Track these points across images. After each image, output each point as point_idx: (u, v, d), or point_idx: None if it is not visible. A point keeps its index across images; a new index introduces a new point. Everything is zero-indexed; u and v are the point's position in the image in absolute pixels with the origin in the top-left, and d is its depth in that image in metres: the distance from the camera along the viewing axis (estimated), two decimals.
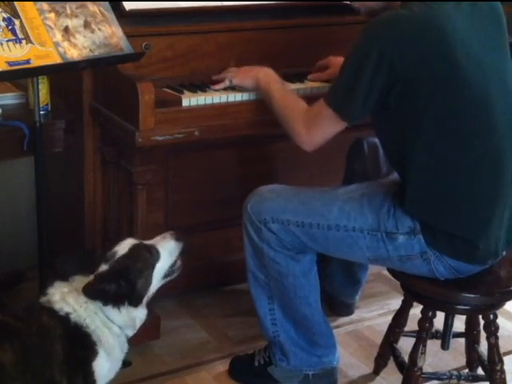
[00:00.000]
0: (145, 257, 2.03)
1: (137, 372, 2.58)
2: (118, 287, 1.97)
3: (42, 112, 2.35)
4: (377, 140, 2.61)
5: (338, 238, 2.24)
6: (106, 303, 1.97)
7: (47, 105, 2.48)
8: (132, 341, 2.63)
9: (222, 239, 2.95)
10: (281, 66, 2.57)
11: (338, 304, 2.94)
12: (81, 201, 2.72)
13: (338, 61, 2.67)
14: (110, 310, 1.99)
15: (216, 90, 2.49)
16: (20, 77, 2.38)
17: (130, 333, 2.07)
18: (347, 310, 2.96)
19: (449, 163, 2.11)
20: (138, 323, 2.07)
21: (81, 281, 2.00)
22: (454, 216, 2.14)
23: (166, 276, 2.09)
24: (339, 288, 2.89)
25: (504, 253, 2.25)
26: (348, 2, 2.86)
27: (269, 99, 2.37)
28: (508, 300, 2.31)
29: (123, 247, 2.05)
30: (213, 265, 2.98)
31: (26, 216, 2.98)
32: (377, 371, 2.65)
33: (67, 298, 1.98)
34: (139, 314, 2.05)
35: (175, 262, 2.10)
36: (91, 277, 2.00)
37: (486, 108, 2.09)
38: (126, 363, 2.59)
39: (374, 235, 2.20)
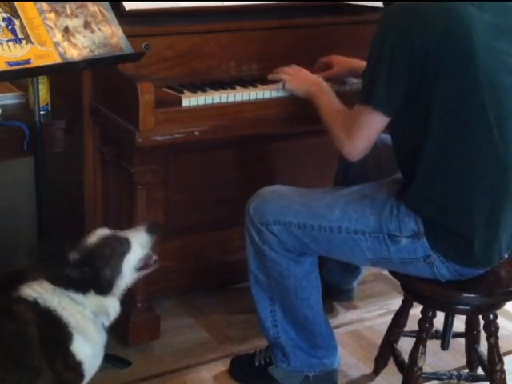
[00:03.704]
0: (113, 246, 2.04)
1: (137, 372, 2.58)
2: (82, 274, 1.99)
3: (42, 112, 2.35)
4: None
5: (339, 240, 2.24)
6: (67, 289, 2.00)
7: (47, 105, 2.48)
8: (132, 341, 2.66)
9: (222, 239, 2.95)
10: (280, 66, 2.57)
11: (336, 291, 2.92)
12: (81, 201, 2.72)
13: (341, 60, 2.67)
14: (75, 294, 2.01)
15: (216, 90, 2.49)
16: (20, 77, 2.38)
17: (106, 321, 2.08)
18: (346, 295, 2.95)
19: (459, 162, 2.10)
20: (112, 313, 2.08)
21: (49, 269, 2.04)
22: (458, 216, 2.13)
23: (139, 269, 2.11)
24: (338, 275, 2.85)
25: (506, 256, 2.25)
26: (348, 2, 2.88)
27: (318, 112, 2.35)
28: (508, 300, 2.31)
29: (93, 237, 2.07)
30: (213, 265, 2.98)
31: (26, 216, 2.98)
32: (377, 371, 2.65)
33: (33, 285, 2.01)
34: (110, 303, 2.06)
35: (148, 254, 2.11)
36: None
37: (500, 116, 2.08)
38: (126, 363, 2.60)
39: (376, 237, 2.20)
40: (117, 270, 2.04)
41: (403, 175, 2.26)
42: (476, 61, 2.04)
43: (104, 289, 2.03)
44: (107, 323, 2.08)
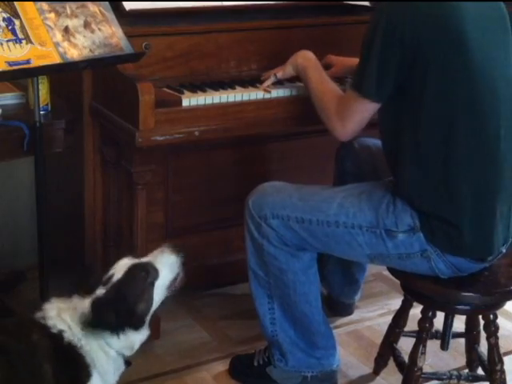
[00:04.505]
0: (142, 278, 1.94)
1: (137, 372, 2.58)
2: (118, 315, 1.88)
3: (42, 112, 2.35)
4: (368, 141, 2.60)
5: (337, 235, 2.24)
6: (103, 333, 1.89)
7: (47, 105, 2.47)
8: None
9: (222, 239, 2.95)
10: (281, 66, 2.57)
11: (337, 305, 2.93)
12: (81, 201, 2.72)
13: (338, 60, 2.68)
14: (108, 336, 1.90)
15: (216, 90, 2.49)
16: (20, 77, 2.38)
17: (128, 353, 1.98)
18: (346, 310, 2.96)
19: (450, 152, 2.11)
20: (138, 344, 1.98)
21: (78, 301, 1.92)
22: (446, 204, 2.14)
23: (168, 289, 2.01)
24: (337, 288, 2.89)
25: (504, 250, 2.25)
26: (348, 2, 2.88)
27: (306, 86, 2.38)
28: (508, 300, 2.31)
29: (119, 269, 1.96)
30: (213, 265, 2.98)
31: (25, 216, 2.98)
32: (377, 371, 2.65)
33: (63, 314, 1.89)
34: (140, 336, 1.97)
35: (177, 274, 2.01)
36: (88, 300, 1.90)
37: (492, 100, 2.10)
38: (126, 363, 2.60)
39: (373, 232, 2.20)
40: (149, 302, 1.95)
41: (394, 174, 2.27)
42: (468, 49, 2.06)
43: (138, 324, 1.93)
44: (130, 354, 1.98)
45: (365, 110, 2.18)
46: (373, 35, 2.10)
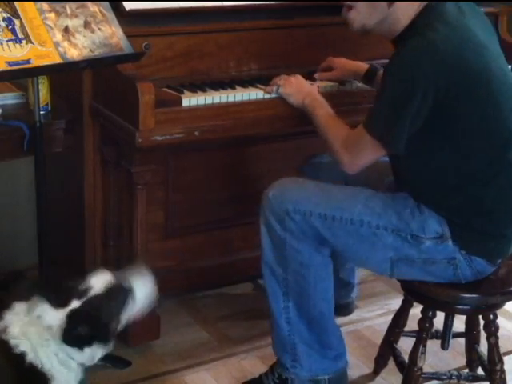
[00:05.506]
0: (120, 299, 1.90)
1: (137, 372, 2.58)
2: (92, 332, 1.84)
3: (42, 112, 2.35)
4: None
5: (360, 235, 2.20)
6: (74, 346, 1.84)
7: (47, 105, 2.47)
8: (132, 341, 2.66)
9: (222, 239, 2.95)
10: (280, 66, 2.57)
11: (336, 305, 2.91)
12: (81, 201, 2.72)
13: (341, 62, 2.68)
14: (72, 350, 1.85)
15: (216, 90, 2.50)
16: (20, 77, 2.38)
17: (89, 364, 1.93)
18: (346, 308, 2.95)
19: (478, 170, 2.15)
20: (99, 356, 1.92)
21: (44, 311, 1.84)
22: (481, 218, 2.16)
23: (137, 312, 1.96)
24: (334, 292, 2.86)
25: None
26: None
27: (313, 123, 2.36)
28: (508, 300, 2.31)
29: (98, 283, 1.89)
30: (213, 265, 2.98)
31: (25, 216, 2.98)
32: (377, 371, 2.65)
33: (28, 332, 1.83)
34: (104, 350, 1.91)
35: (150, 300, 1.97)
36: (61, 312, 1.84)
37: (508, 121, 2.14)
38: (126, 363, 2.60)
39: (399, 235, 2.18)
40: (120, 321, 1.92)
41: (413, 187, 2.25)
42: (493, 80, 2.10)
43: (106, 341, 1.89)
44: (89, 364, 1.93)
45: (378, 153, 2.19)
46: (406, 96, 2.06)
